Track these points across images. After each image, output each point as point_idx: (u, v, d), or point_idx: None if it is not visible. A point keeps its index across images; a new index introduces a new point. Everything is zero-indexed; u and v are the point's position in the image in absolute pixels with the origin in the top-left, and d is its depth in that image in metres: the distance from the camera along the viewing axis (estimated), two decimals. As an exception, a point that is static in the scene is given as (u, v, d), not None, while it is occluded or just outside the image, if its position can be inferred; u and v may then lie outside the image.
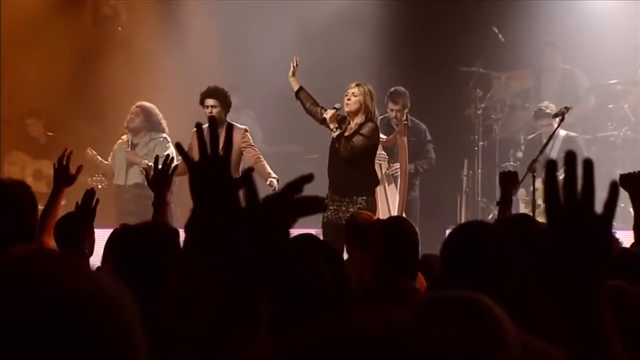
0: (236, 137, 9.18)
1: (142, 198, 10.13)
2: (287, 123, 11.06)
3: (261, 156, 9.49)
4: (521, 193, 10.98)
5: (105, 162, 10.73)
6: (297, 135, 11.14)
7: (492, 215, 11.39)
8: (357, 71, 10.76)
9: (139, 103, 10.73)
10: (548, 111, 10.88)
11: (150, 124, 10.54)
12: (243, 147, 9.33)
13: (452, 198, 11.73)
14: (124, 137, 10.83)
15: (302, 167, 10.94)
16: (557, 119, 9.03)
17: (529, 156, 10.62)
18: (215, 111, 9.35)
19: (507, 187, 6.20)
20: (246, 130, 9.50)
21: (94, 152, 10.46)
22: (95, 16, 12.42)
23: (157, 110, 10.63)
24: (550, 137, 8.98)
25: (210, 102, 9.43)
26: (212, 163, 2.16)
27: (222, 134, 9.37)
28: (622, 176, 6.26)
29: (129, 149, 10.69)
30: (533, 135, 11.26)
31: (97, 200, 4.81)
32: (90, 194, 4.84)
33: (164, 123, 10.53)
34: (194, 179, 2.16)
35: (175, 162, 5.18)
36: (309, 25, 11.75)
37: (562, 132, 10.77)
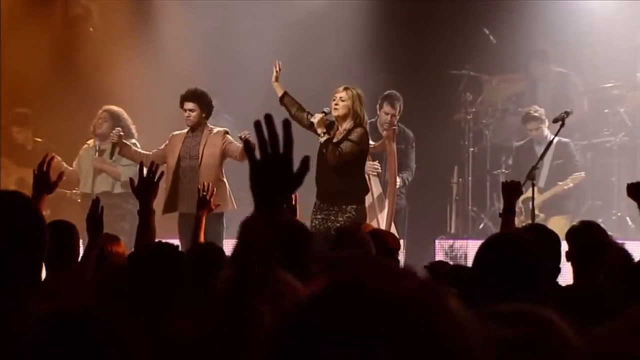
0: (217, 140, 9.10)
1: (112, 208, 9.71)
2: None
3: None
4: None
5: (70, 168, 10.28)
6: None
7: (483, 224, 11.19)
8: (341, 74, 10.49)
9: (106, 107, 10.43)
10: (536, 114, 10.64)
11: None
12: (225, 145, 9.15)
13: (441, 207, 11.47)
14: (90, 142, 10.53)
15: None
16: (558, 124, 8.60)
17: (519, 163, 10.56)
18: (193, 115, 9.21)
19: (510, 198, 5.97)
20: (226, 132, 9.23)
21: (59, 158, 10.01)
22: (65, 16, 12.08)
23: (125, 115, 10.34)
24: (550, 144, 8.62)
25: (188, 105, 9.25)
26: (274, 161, 2.22)
27: (202, 139, 9.22)
28: (630, 185, 6.00)
29: (97, 155, 10.37)
30: (522, 141, 10.95)
31: (102, 208, 4.74)
32: (96, 203, 4.77)
33: (133, 128, 10.22)
34: (255, 177, 2.24)
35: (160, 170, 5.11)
36: (292, 27, 11.46)
37: (555, 138, 10.46)
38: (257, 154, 2.28)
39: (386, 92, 9.97)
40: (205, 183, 6.63)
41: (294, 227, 4.78)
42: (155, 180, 4.93)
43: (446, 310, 1.26)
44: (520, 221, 10.11)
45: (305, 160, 2.28)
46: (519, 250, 3.44)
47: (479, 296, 3.16)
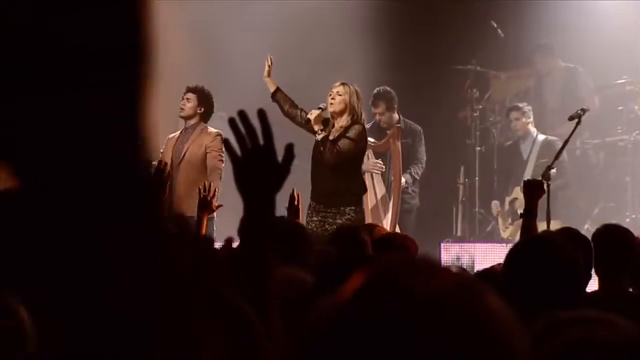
0: (206, 141, 8.88)
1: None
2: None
3: (221, 169, 8.85)
4: (495, 205, 10.37)
5: None
6: (275, 140, 10.35)
7: (490, 227, 10.91)
8: (340, 70, 10.07)
9: None
10: (520, 105, 10.60)
11: None
12: (209, 150, 8.86)
13: (447, 209, 11.17)
14: None
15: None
16: (574, 122, 8.16)
17: (507, 165, 10.57)
18: (188, 105, 9.02)
19: (532, 198, 5.70)
20: (218, 135, 8.85)
21: None
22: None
23: None
24: (565, 143, 8.14)
25: (188, 95, 9.08)
26: (256, 154, 2.24)
27: (193, 136, 8.98)
28: None
29: None
30: (509, 142, 10.84)
31: None
32: None
33: None
34: (239, 174, 2.25)
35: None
36: (290, 21, 11.12)
37: (540, 137, 10.44)
38: (238, 151, 2.28)
39: (373, 91, 9.78)
40: (205, 182, 6.32)
41: (294, 229, 4.67)
42: (164, 177, 4.88)
43: (486, 308, 1.23)
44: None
45: (289, 148, 2.29)
46: (556, 254, 3.38)
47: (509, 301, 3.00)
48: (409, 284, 1.23)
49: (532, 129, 10.42)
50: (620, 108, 10.85)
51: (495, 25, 11.13)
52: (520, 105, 10.54)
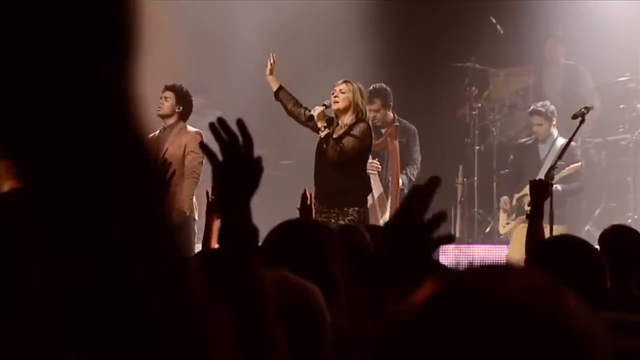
0: (184, 139, 8.77)
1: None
2: (257, 124, 10.08)
3: (198, 172, 8.73)
4: (504, 202, 10.16)
5: None
6: (268, 138, 10.28)
7: (489, 228, 10.76)
8: (337, 67, 10.00)
9: None
10: (541, 109, 10.20)
11: None
12: (187, 152, 8.73)
13: (445, 209, 10.72)
14: None
15: (275, 174, 10.32)
16: (578, 121, 7.93)
17: (521, 162, 10.30)
18: (166, 104, 8.91)
19: (539, 198, 5.60)
20: (198, 133, 8.67)
21: None
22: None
23: None
24: (569, 143, 7.92)
25: (166, 93, 8.97)
26: (237, 161, 2.32)
27: (171, 136, 8.84)
28: None
29: None
30: (527, 139, 10.52)
31: None
32: None
33: None
34: (221, 179, 2.35)
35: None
36: (287, 18, 10.99)
37: (560, 140, 10.10)
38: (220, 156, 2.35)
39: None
40: (213, 186, 6.04)
41: (311, 226, 4.38)
42: (167, 178, 4.72)
43: (567, 308, 1.21)
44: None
45: (258, 160, 2.35)
46: (580, 256, 3.41)
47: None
48: (486, 288, 1.21)
49: (554, 131, 10.08)
50: (621, 106, 10.70)
51: (494, 22, 11.00)
52: (543, 109, 10.08)
